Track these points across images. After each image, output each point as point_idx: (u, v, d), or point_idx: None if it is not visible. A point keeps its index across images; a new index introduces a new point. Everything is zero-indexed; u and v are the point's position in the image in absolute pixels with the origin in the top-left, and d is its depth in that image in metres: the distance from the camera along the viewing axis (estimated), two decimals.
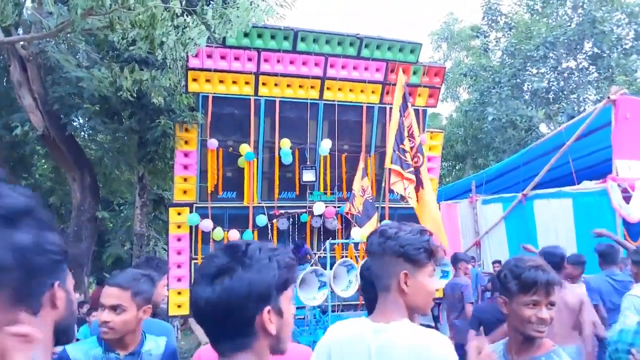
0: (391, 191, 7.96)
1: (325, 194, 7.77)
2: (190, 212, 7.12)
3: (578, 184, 8.06)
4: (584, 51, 16.70)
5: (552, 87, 17.41)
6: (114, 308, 2.08)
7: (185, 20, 5.14)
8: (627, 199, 7.07)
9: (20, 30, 8.49)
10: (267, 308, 1.10)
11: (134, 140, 8.07)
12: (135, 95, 6.74)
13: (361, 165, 7.29)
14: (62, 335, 1.14)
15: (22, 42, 7.78)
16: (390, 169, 6.75)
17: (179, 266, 7.09)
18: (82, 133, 11.05)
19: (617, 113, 7.31)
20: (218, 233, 7.11)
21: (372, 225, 7.21)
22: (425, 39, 24.10)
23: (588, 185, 7.79)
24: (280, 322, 1.13)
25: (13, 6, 5.37)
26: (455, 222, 10.60)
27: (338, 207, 7.70)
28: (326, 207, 7.54)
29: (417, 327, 1.60)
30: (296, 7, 8.31)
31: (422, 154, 6.71)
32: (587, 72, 16.93)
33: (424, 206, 6.57)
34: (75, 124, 9.37)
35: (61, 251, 1.07)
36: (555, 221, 8.08)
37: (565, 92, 17.08)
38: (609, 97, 7.44)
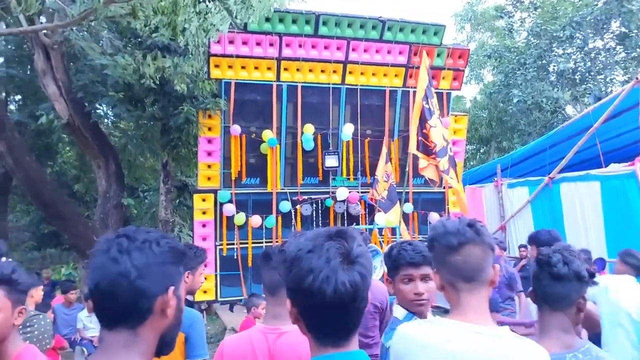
0: (415, 176, 7.92)
1: (348, 179, 7.73)
2: (215, 198, 7.16)
3: (606, 166, 7.87)
4: (611, 31, 16.19)
5: (579, 68, 16.96)
6: None
7: (207, 6, 5.11)
8: None
9: (43, 19, 8.56)
10: None
11: (157, 127, 8.12)
12: (158, 82, 6.77)
13: (384, 150, 7.22)
14: (165, 346, 1.15)
15: (45, 31, 7.85)
16: (414, 154, 6.71)
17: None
18: (106, 120, 11.17)
19: None
20: (241, 218, 7.15)
21: (396, 210, 7.17)
22: (449, 20, 23.68)
23: (616, 168, 7.61)
24: None
25: None
26: (480, 206, 10.47)
27: (361, 192, 7.66)
28: (349, 192, 7.50)
29: (517, 335, 1.49)
30: None
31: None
32: (615, 52, 16.43)
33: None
34: (99, 111, 9.47)
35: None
36: (583, 205, 7.92)
37: (592, 73, 16.63)
38: (637, 78, 7.23)
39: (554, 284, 1.76)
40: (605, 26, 15.87)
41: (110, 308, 1.06)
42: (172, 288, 1.13)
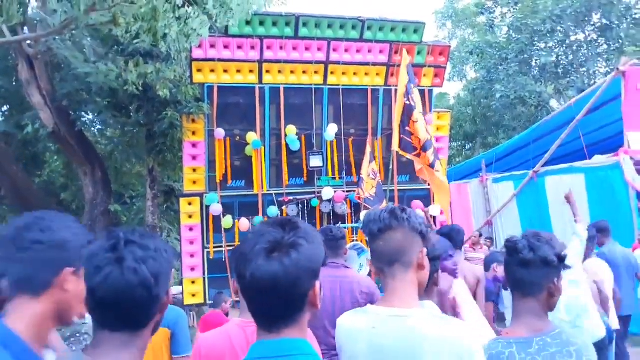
0: (400, 173, 8.00)
1: (334, 178, 7.80)
2: (201, 202, 7.21)
3: (590, 158, 7.99)
4: (592, 23, 16.40)
5: (561, 62, 17.16)
6: None
7: (187, 11, 5.15)
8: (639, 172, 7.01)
9: (26, 29, 8.55)
10: (318, 282, 1.13)
11: (142, 133, 8.13)
12: (141, 89, 6.79)
13: (368, 149, 7.30)
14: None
15: (28, 41, 7.84)
16: (397, 152, 6.79)
17: (192, 256, 7.19)
18: (93, 128, 11.15)
19: (627, 85, 7.23)
20: (228, 221, 7.19)
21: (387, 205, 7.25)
22: (430, 17, 23.82)
23: (600, 160, 7.71)
24: (320, 297, 1.16)
25: (18, 5, 5.41)
26: (467, 202, 10.58)
27: (347, 191, 7.73)
28: (335, 191, 7.57)
29: (443, 314, 1.56)
30: None
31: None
32: (597, 44, 16.64)
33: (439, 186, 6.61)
34: (84, 119, 9.45)
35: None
36: None
37: (574, 66, 16.83)
38: (617, 69, 7.34)
39: (522, 270, 1.78)
40: (586, 19, 16.07)
41: (122, 314, 1.10)
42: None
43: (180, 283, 7.53)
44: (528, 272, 1.77)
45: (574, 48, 16.70)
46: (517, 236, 1.87)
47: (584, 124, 8.16)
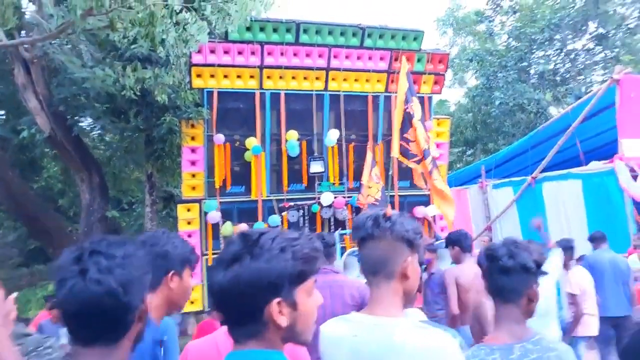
0: (400, 179, 7.98)
1: (334, 184, 7.76)
2: (200, 208, 7.15)
3: (586, 165, 8.01)
4: (589, 32, 16.53)
5: (559, 69, 17.26)
6: None
7: (185, 17, 5.13)
8: (635, 178, 7.03)
9: (22, 33, 8.53)
10: (277, 300, 1.08)
11: (141, 138, 8.09)
12: (139, 94, 6.75)
13: (369, 155, 7.28)
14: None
15: (25, 45, 7.81)
16: (397, 158, 6.78)
17: None
18: (91, 133, 11.12)
19: (622, 92, 7.27)
20: (227, 228, 7.13)
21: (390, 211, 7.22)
22: (431, 25, 23.92)
23: (596, 166, 7.75)
24: (294, 315, 1.11)
25: (13, 10, 5.39)
26: (466, 208, 10.57)
27: (347, 197, 7.69)
28: (335, 197, 7.53)
29: (424, 324, 1.52)
30: None
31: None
32: (593, 52, 16.76)
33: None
34: (82, 124, 9.42)
35: None
36: (565, 203, 8.05)
37: (572, 74, 16.93)
38: (612, 78, 7.38)
39: (502, 276, 1.81)
40: (583, 28, 16.19)
41: (93, 326, 1.07)
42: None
43: None
44: (508, 279, 1.79)
45: (572, 56, 16.80)
46: (496, 244, 1.91)
47: (580, 131, 8.19)
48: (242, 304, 1.08)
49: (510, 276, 1.78)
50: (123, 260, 1.10)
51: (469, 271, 4.24)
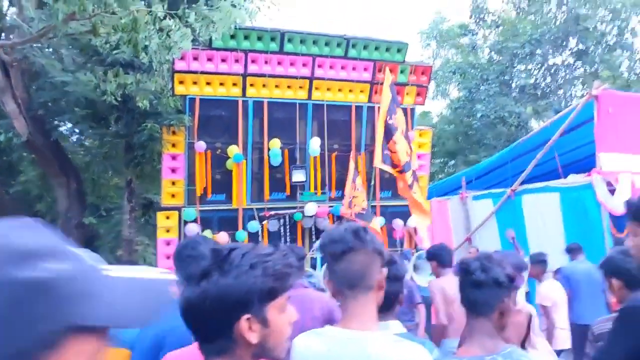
0: (382, 189, 8.02)
1: (316, 193, 7.76)
2: (179, 216, 7.08)
3: (565, 178, 8.12)
4: (569, 48, 16.87)
5: (540, 84, 17.56)
6: None
7: (168, 24, 5.10)
8: (611, 192, 7.14)
9: (2, 36, 8.40)
10: (247, 316, 1.06)
11: (121, 144, 8.00)
12: (120, 99, 6.68)
13: (352, 164, 7.30)
14: None
15: (4, 48, 7.68)
16: (380, 168, 6.82)
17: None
18: (72, 138, 10.96)
19: (600, 108, 7.39)
20: (207, 236, 7.06)
21: (374, 222, 7.27)
22: (415, 37, 24.18)
23: (574, 180, 7.85)
24: (265, 332, 1.09)
25: None
26: (447, 219, 10.61)
27: (329, 206, 7.68)
28: (318, 207, 7.52)
29: (398, 337, 1.53)
30: (283, 8, 8.29)
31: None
32: (573, 67, 17.11)
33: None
34: (62, 129, 9.28)
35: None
36: (544, 215, 8.13)
37: (552, 88, 17.24)
38: (590, 93, 7.51)
39: (474, 290, 1.83)
40: (563, 43, 16.52)
41: None
42: None
43: None
44: (480, 293, 1.81)
45: (552, 71, 17.12)
46: (470, 258, 1.94)
47: (559, 144, 8.30)
48: (211, 320, 1.07)
49: (483, 290, 1.81)
50: None
51: (453, 284, 4.23)
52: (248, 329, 1.07)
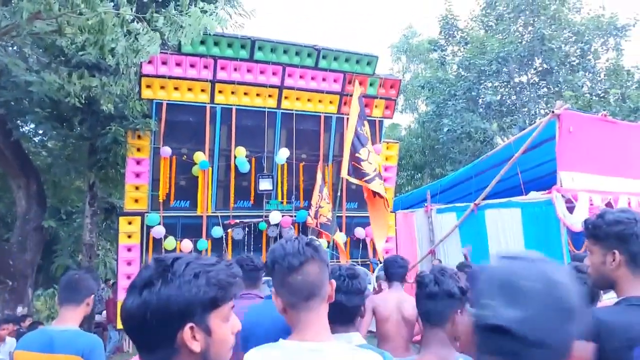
0: (348, 200, 8.07)
1: (282, 203, 7.75)
2: (142, 221, 6.95)
3: (526, 194, 8.34)
4: (534, 67, 17.37)
5: (505, 101, 18.01)
6: None
7: (136, 27, 5.05)
8: (570, 209, 7.37)
9: None
10: (190, 325, 1.07)
11: (84, 146, 7.83)
12: (84, 101, 6.55)
13: (319, 175, 7.33)
14: None
15: None
16: (347, 179, 6.87)
17: (128, 277, 6.89)
18: (34, 138, 10.66)
19: (561, 127, 7.63)
20: (170, 243, 6.97)
21: (339, 236, 7.31)
22: (386, 51, 24.55)
23: (535, 196, 8.08)
24: (208, 341, 1.09)
25: None
26: (412, 231, 10.74)
27: (295, 216, 7.68)
28: (282, 216, 7.51)
29: (357, 347, 1.55)
30: (255, 17, 8.27)
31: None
32: (538, 86, 17.60)
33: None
34: (23, 129, 9.01)
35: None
36: (505, 230, 8.34)
37: (517, 106, 17.70)
38: (553, 112, 7.75)
39: (428, 302, 1.94)
40: (529, 62, 17.01)
41: None
42: None
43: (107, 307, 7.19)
44: (434, 304, 1.92)
45: (517, 89, 17.59)
46: (425, 271, 2.05)
47: (521, 161, 8.53)
48: (152, 330, 1.06)
49: (436, 301, 1.91)
50: None
51: (391, 300, 3.86)
52: (191, 337, 1.07)
